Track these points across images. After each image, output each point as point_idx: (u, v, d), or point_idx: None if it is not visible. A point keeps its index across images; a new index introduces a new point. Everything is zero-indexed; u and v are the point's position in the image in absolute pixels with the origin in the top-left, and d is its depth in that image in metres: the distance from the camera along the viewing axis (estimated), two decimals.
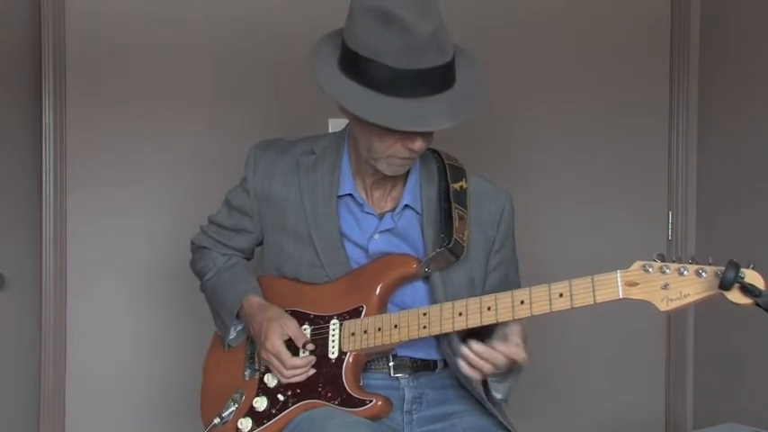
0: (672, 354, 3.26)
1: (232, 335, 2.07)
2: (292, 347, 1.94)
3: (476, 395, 1.97)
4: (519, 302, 1.80)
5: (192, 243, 2.25)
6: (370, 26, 1.75)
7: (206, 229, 2.21)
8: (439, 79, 1.77)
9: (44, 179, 2.91)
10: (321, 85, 1.81)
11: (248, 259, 2.20)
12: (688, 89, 3.21)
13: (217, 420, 1.90)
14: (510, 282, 2.04)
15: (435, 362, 2.03)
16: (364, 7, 1.76)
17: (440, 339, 1.97)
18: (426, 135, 1.81)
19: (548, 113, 3.18)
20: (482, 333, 1.94)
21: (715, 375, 3.14)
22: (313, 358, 1.93)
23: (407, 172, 2.00)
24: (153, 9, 2.96)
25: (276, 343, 1.91)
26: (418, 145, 1.81)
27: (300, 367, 1.92)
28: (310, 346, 1.94)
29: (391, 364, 2.00)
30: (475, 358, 1.79)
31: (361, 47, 1.77)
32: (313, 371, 1.94)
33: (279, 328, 1.93)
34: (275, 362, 1.92)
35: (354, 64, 1.79)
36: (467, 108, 1.80)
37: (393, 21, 1.71)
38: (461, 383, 2.00)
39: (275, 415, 1.94)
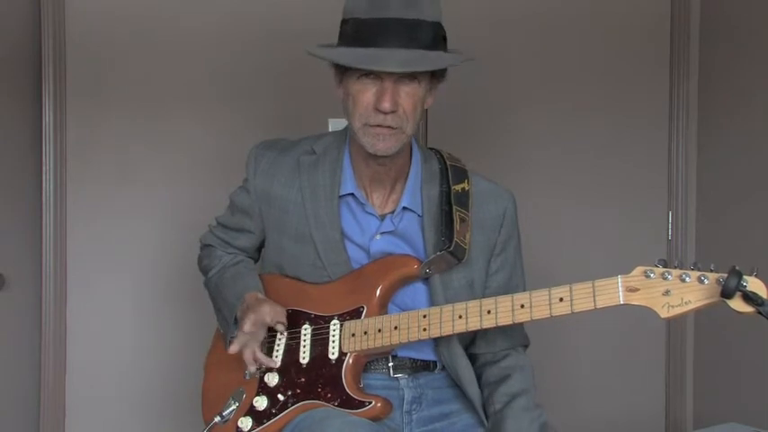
0: (672, 354, 3.26)
1: (235, 332, 2.06)
2: (288, 354, 1.97)
3: (470, 399, 1.98)
4: (519, 306, 1.80)
5: (200, 241, 2.26)
6: None
7: (213, 229, 2.22)
8: (404, 33, 1.81)
9: (44, 179, 2.91)
10: (311, 50, 1.88)
11: (254, 260, 2.20)
12: (688, 89, 3.21)
13: (217, 419, 1.89)
14: (513, 285, 2.03)
15: (435, 362, 2.03)
16: None
17: (437, 342, 1.97)
18: (395, 92, 1.83)
19: (548, 113, 3.18)
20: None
21: (715, 375, 3.14)
22: (274, 363, 1.96)
23: (407, 173, 2.00)
24: (153, 9, 2.96)
25: (259, 319, 1.94)
26: (385, 100, 1.82)
27: (258, 361, 1.93)
28: (280, 327, 1.95)
29: (391, 364, 2.00)
30: None
31: (344, 12, 1.89)
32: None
33: (268, 309, 1.95)
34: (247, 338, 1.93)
35: (340, 30, 1.89)
36: (424, 62, 1.83)
37: None
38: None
39: (275, 414, 1.94)
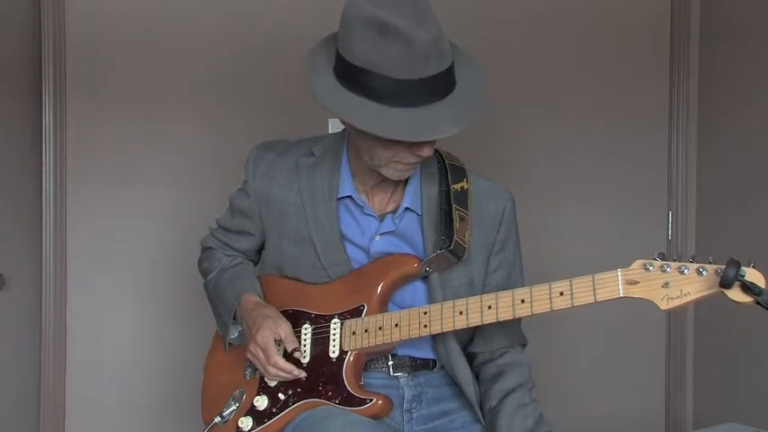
0: (672, 354, 3.26)
1: (234, 334, 2.07)
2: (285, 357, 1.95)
3: (468, 398, 1.98)
4: (519, 301, 1.80)
5: (201, 244, 2.26)
6: (367, 37, 1.72)
7: (213, 231, 2.21)
8: (441, 85, 1.77)
9: (44, 179, 2.92)
10: (320, 99, 1.80)
11: (255, 263, 2.20)
12: (688, 89, 3.22)
13: (217, 419, 1.89)
14: (512, 283, 2.02)
15: (434, 361, 2.03)
16: (359, 18, 1.73)
17: (435, 339, 1.97)
18: (432, 142, 1.81)
19: (548, 113, 3.18)
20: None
21: (715, 375, 3.14)
22: (298, 372, 1.92)
23: None
24: (153, 9, 2.96)
25: (266, 337, 1.90)
26: (426, 151, 1.80)
27: (282, 368, 1.90)
28: (298, 354, 1.93)
29: (390, 363, 2.00)
30: None
31: (358, 59, 1.75)
32: (303, 375, 1.93)
33: (273, 326, 1.92)
34: (261, 355, 1.90)
35: (352, 75, 1.77)
36: (470, 112, 1.79)
37: (390, 31, 1.69)
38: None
39: (276, 414, 1.94)
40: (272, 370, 1.90)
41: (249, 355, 1.94)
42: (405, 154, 1.82)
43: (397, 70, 1.71)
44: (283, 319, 1.95)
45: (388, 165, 1.86)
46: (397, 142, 1.78)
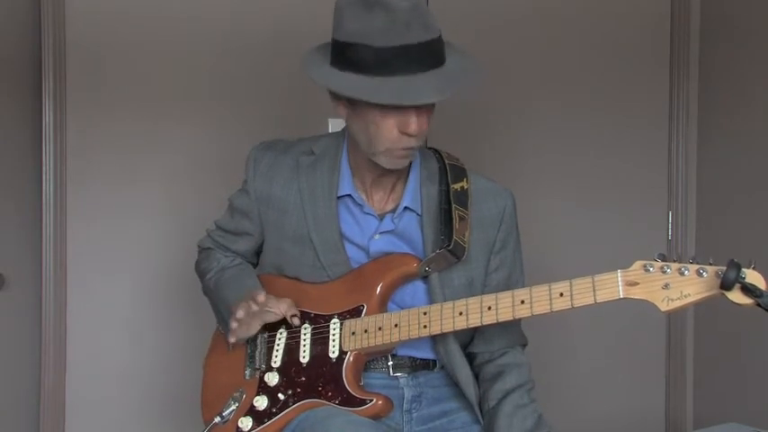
0: (672, 354, 3.26)
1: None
2: (289, 353, 1.97)
3: (468, 398, 1.98)
4: (519, 302, 1.80)
5: (198, 246, 2.26)
6: (354, 14, 1.78)
7: (211, 233, 2.21)
8: (426, 56, 1.78)
9: (44, 179, 2.91)
10: (312, 77, 1.84)
11: (254, 265, 2.19)
12: (688, 89, 3.22)
13: (217, 419, 1.89)
14: (513, 283, 2.03)
15: (434, 361, 2.03)
16: (346, 0, 1.81)
17: (436, 340, 1.97)
18: (420, 117, 1.81)
19: (548, 113, 3.18)
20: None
21: (715, 375, 3.14)
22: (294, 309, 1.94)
23: (407, 173, 2.00)
24: (153, 9, 2.96)
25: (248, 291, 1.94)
26: (413, 127, 1.80)
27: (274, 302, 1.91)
28: (295, 320, 1.94)
29: (390, 363, 2.00)
30: None
31: (347, 35, 1.80)
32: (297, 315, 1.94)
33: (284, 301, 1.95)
34: (246, 305, 1.92)
35: (343, 54, 1.81)
36: (455, 84, 1.81)
37: (374, 3, 1.75)
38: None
39: (276, 414, 1.93)
40: (259, 303, 1.91)
41: (238, 314, 1.93)
42: (395, 135, 1.82)
43: (380, 38, 1.75)
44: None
45: (383, 152, 1.86)
46: (386, 118, 1.80)
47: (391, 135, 1.83)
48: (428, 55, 1.79)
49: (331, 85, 1.83)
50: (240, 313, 1.94)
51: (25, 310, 2.94)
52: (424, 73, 1.78)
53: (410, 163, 1.98)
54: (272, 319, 1.94)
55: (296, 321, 1.95)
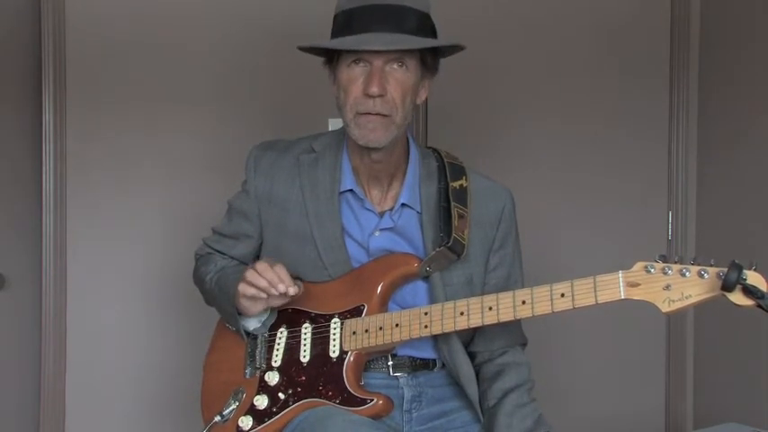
0: (672, 354, 3.26)
1: (256, 324, 2.02)
2: (289, 353, 1.96)
3: (469, 397, 1.98)
4: (521, 302, 1.80)
5: (195, 254, 2.24)
6: None
7: (207, 240, 2.19)
8: (389, 18, 1.85)
9: (44, 179, 2.91)
10: (300, 45, 1.94)
11: None
12: (688, 89, 3.22)
13: (217, 419, 1.89)
14: (512, 282, 2.04)
15: (434, 361, 2.03)
16: None
17: (437, 339, 1.97)
18: (382, 78, 1.85)
19: (548, 113, 3.18)
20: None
21: (715, 375, 3.14)
22: (296, 288, 1.87)
23: (405, 171, 2.01)
24: (153, 9, 2.96)
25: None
26: (373, 86, 1.83)
27: (279, 277, 1.85)
28: (293, 290, 1.86)
29: (390, 363, 2.00)
30: None
31: (335, 11, 1.93)
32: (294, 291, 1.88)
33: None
34: (251, 277, 1.87)
35: (332, 26, 1.93)
36: (408, 43, 1.85)
37: None
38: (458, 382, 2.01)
39: (276, 413, 1.93)
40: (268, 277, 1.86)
41: (246, 291, 1.89)
42: (360, 99, 1.86)
43: (349, 3, 1.88)
44: None
45: (353, 121, 1.89)
46: (351, 79, 1.87)
47: (356, 97, 1.86)
48: (393, 18, 1.85)
49: (303, 44, 1.93)
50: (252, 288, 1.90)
51: (25, 310, 2.95)
52: (384, 33, 1.83)
53: (406, 160, 2.00)
54: (277, 303, 1.92)
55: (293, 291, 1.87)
